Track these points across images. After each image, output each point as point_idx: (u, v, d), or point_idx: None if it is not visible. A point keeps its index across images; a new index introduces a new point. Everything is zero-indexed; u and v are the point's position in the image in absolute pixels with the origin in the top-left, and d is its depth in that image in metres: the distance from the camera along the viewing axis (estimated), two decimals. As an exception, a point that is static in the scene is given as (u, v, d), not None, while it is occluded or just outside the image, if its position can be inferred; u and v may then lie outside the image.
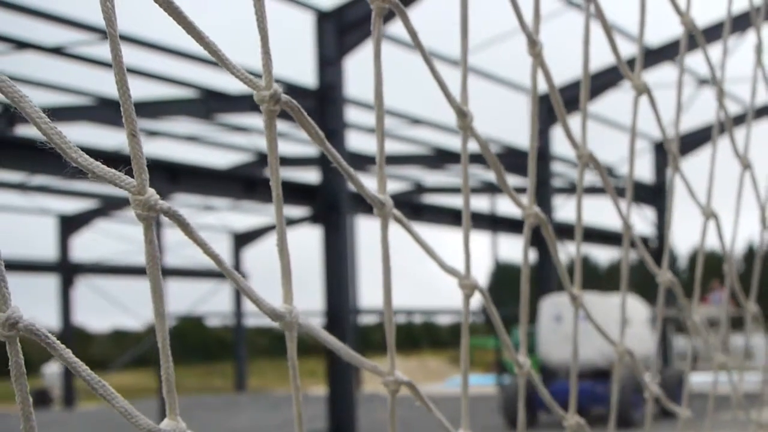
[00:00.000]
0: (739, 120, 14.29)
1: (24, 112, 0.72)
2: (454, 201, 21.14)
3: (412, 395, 1.13)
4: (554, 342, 14.36)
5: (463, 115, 1.07)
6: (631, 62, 1.39)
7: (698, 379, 14.02)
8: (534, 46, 1.18)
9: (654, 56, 15.85)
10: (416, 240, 1.08)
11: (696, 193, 1.61)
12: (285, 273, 0.92)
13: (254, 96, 0.83)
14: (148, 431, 0.76)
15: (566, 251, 17.13)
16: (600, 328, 1.43)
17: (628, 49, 11.72)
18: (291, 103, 0.85)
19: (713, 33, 12.11)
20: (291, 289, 0.92)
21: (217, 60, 0.79)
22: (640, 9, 1.37)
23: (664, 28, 14.19)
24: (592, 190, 14.96)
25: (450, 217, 17.72)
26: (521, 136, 17.34)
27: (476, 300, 1.23)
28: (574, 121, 1.41)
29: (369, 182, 1.02)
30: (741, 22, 10.31)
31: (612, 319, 10.53)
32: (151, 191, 0.77)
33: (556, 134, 16.83)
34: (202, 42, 0.78)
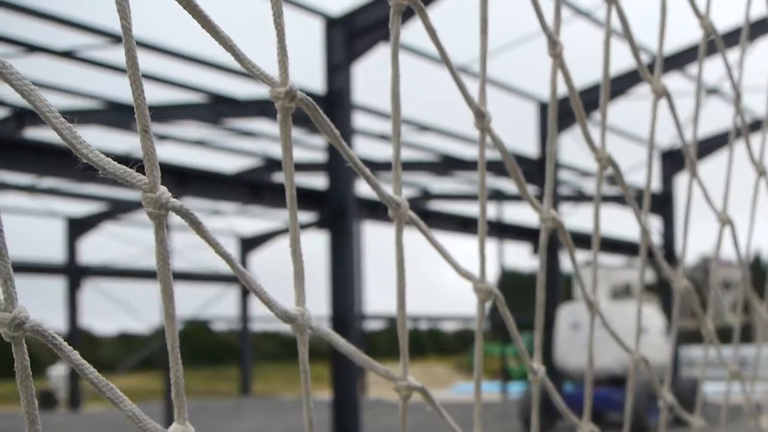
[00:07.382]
0: (754, 127, 14.32)
1: (34, 106, 0.70)
2: (461, 208, 21.11)
3: (422, 401, 1.12)
4: (571, 349, 14.59)
5: (481, 115, 1.05)
6: (649, 66, 1.38)
7: (710, 389, 13.99)
8: (554, 46, 1.16)
9: (663, 65, 15.81)
10: (431, 242, 1.06)
11: (711, 200, 1.59)
12: (298, 275, 0.90)
13: (269, 92, 0.81)
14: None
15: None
16: (617, 337, 1.42)
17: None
18: (307, 101, 0.84)
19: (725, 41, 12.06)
20: (303, 291, 0.90)
21: (233, 56, 0.77)
22: (660, 10, 1.36)
23: (672, 37, 14.16)
24: (602, 198, 14.90)
25: (457, 223, 17.69)
26: (526, 144, 17.29)
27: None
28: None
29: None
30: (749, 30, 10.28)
31: (628, 327, 10.62)
32: (163, 189, 0.75)
33: (562, 141, 16.77)
34: (218, 37, 0.76)
